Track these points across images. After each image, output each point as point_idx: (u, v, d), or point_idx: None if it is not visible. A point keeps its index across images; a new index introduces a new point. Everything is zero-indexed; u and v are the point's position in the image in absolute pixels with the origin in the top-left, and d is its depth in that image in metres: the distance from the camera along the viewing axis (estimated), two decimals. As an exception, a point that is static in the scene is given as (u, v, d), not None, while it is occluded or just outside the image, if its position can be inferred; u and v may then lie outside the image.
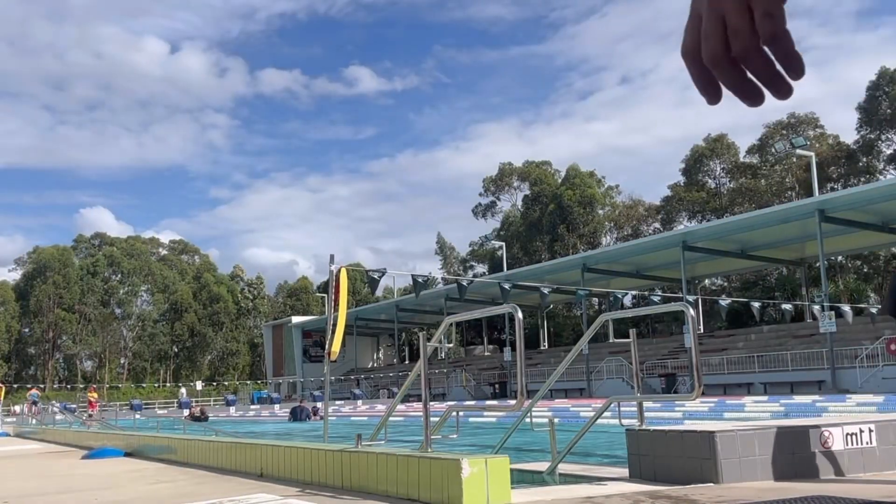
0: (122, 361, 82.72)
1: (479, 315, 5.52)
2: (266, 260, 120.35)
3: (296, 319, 63.22)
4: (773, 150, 48.49)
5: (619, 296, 22.08)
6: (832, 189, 46.65)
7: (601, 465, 6.38)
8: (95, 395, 43.26)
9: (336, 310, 7.52)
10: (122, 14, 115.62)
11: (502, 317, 39.90)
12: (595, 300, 53.86)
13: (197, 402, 46.83)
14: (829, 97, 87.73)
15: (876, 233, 31.30)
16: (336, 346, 7.29)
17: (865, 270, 53.68)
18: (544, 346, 52.77)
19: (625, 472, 5.08)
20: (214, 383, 72.47)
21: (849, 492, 3.96)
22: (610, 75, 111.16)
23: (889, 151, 52.58)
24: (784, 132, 52.52)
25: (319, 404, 31.39)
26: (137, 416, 25.19)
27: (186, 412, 28.26)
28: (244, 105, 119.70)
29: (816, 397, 19.59)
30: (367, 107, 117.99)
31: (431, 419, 4.83)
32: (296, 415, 25.05)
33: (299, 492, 5.18)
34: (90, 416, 30.46)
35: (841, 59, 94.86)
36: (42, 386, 65.32)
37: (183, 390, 53.74)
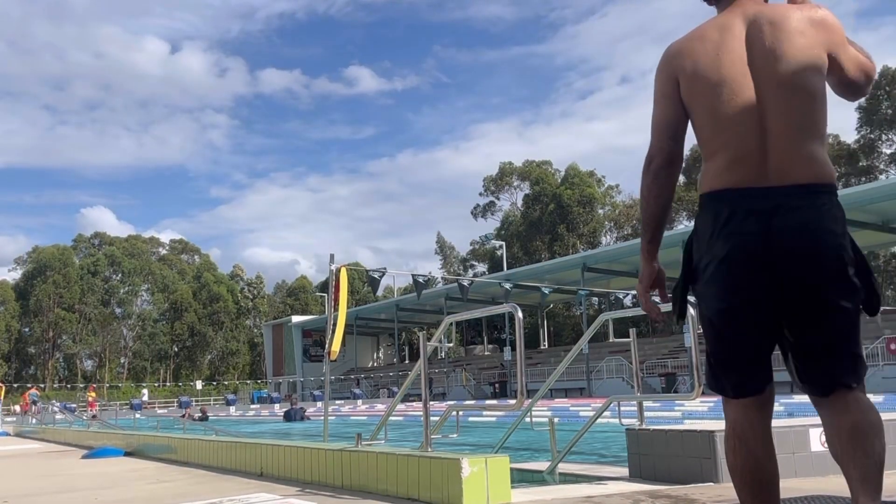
0: (122, 361, 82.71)
1: (479, 315, 5.51)
2: (267, 259, 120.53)
3: (296, 319, 63.17)
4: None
5: (620, 296, 22.07)
6: (832, 189, 46.61)
7: (601, 465, 6.38)
8: (94, 394, 43.32)
9: (336, 309, 7.50)
10: (122, 14, 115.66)
11: (502, 316, 39.89)
12: (595, 300, 53.83)
13: (197, 401, 46.80)
14: (828, 96, 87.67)
15: (876, 233, 31.27)
16: (336, 346, 7.27)
17: (865, 270, 53.65)
18: (544, 345, 52.77)
19: (625, 471, 5.08)
20: (214, 383, 72.49)
21: (849, 492, 3.96)
22: (610, 75, 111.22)
23: (889, 151, 52.55)
24: (784, 132, 52.50)
25: (320, 403, 31.36)
26: (137, 416, 25.18)
27: (184, 412, 28.18)
28: (244, 105, 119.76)
29: (816, 397, 19.55)
30: (366, 107, 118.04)
31: (431, 419, 4.83)
32: (290, 416, 25.11)
33: (299, 491, 5.18)
34: (94, 416, 30.45)
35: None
36: (42, 385, 65.33)
37: (145, 391, 52.96)
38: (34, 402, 36.70)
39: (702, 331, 2.22)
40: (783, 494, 3.90)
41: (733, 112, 2.03)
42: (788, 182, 1.98)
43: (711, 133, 2.09)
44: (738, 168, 2.02)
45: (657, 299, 2.31)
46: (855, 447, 1.99)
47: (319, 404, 33.48)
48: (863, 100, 53.62)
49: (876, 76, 2.28)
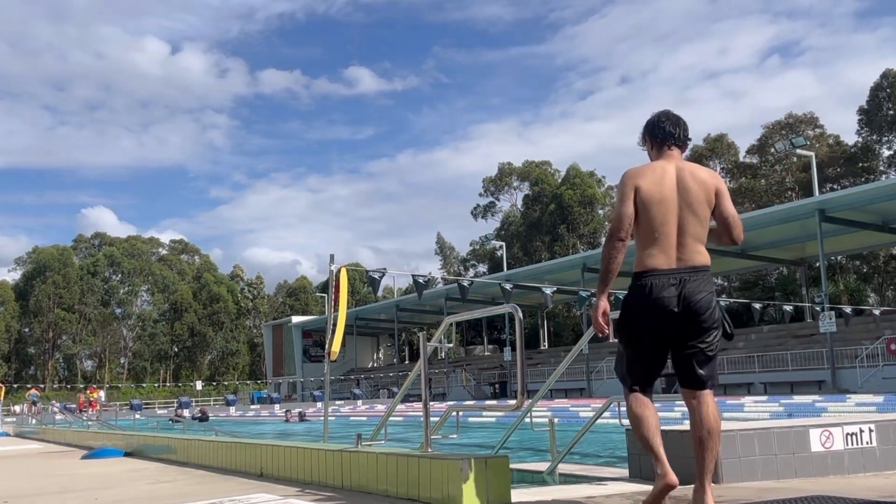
0: (122, 361, 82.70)
1: (479, 315, 5.49)
2: (267, 260, 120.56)
3: (296, 319, 63.16)
4: (773, 150, 48.51)
5: (620, 296, 22.03)
6: (832, 189, 46.60)
7: (601, 465, 6.38)
8: (96, 394, 43.37)
9: (336, 309, 7.49)
10: (123, 14, 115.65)
11: (502, 317, 39.87)
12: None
13: (197, 402, 46.78)
14: (827, 98, 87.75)
15: (876, 233, 31.28)
16: (336, 346, 7.26)
17: (865, 270, 53.64)
18: (544, 346, 52.78)
19: (625, 472, 5.08)
20: (214, 383, 72.49)
21: (849, 492, 3.96)
22: (610, 75, 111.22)
23: (889, 153, 52.50)
24: (784, 132, 52.45)
25: (320, 404, 31.30)
26: (137, 416, 25.18)
27: (175, 412, 27.99)
28: (244, 105, 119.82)
29: (816, 397, 19.57)
30: (366, 107, 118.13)
31: (431, 419, 4.83)
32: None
33: (299, 492, 5.18)
34: (98, 417, 30.43)
35: (840, 60, 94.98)
36: (42, 386, 65.30)
37: (101, 393, 52.05)
38: (34, 403, 36.68)
39: (624, 349, 3.53)
40: (783, 495, 3.91)
41: (665, 221, 3.38)
42: (688, 265, 3.36)
43: (648, 230, 3.40)
44: (661, 256, 3.37)
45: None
46: (708, 429, 3.35)
47: (319, 405, 33.47)
48: (864, 102, 53.52)
49: (741, 233, 3.57)
